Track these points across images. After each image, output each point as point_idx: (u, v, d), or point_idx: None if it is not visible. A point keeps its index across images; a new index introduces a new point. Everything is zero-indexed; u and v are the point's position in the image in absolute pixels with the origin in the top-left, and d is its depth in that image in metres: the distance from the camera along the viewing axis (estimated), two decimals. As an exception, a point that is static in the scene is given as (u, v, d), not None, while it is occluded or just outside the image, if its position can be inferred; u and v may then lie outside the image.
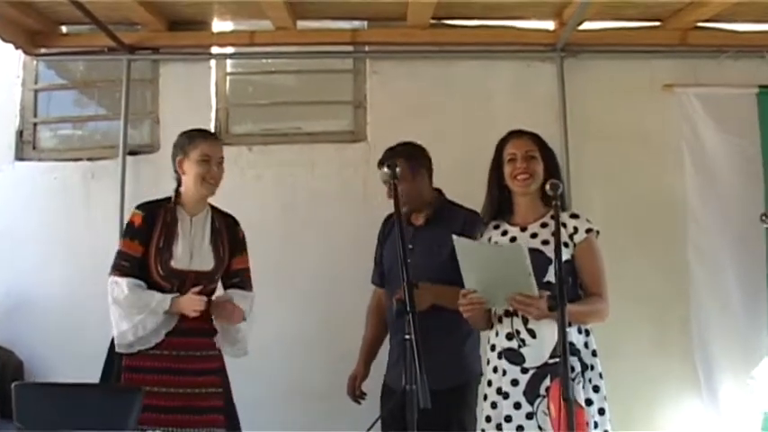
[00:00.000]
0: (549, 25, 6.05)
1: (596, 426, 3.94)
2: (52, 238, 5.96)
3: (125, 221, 5.61)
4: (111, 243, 5.67)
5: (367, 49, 6.15)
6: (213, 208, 4.75)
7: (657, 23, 6.00)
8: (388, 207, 4.47)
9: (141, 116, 6.21)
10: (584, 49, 6.00)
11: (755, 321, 5.59)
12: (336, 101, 6.21)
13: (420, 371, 3.37)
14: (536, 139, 4.31)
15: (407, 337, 3.48)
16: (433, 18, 5.90)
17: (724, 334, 5.61)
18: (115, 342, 4.49)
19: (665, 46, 6.00)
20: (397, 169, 3.85)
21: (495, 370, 4.14)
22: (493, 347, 4.18)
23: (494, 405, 4.08)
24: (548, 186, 3.86)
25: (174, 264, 4.52)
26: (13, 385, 4.30)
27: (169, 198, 4.66)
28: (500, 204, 4.30)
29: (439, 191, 5.02)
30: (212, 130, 5.90)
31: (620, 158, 5.83)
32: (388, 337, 5.04)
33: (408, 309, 3.51)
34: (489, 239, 4.27)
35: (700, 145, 5.78)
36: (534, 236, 4.15)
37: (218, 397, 4.57)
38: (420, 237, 4.88)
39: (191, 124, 5.72)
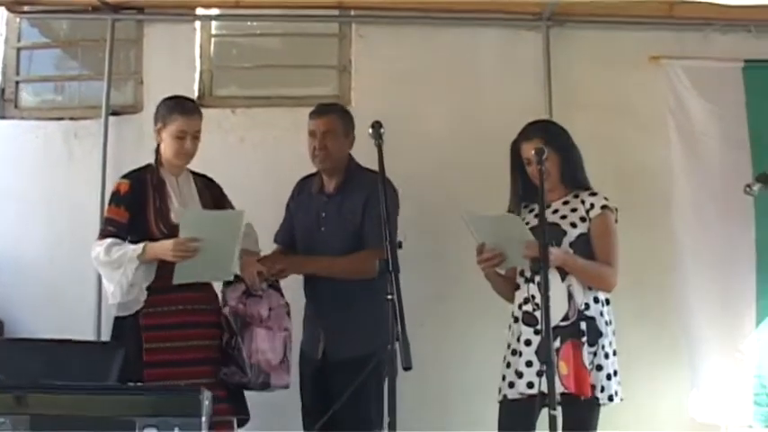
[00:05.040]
0: (536, -6, 6.02)
1: (603, 390, 4.35)
2: (33, 198, 5.92)
3: (107, 183, 5.70)
4: (93, 203, 5.70)
5: (353, 13, 6.11)
6: (189, 170, 4.92)
7: (644, -5, 5.99)
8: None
9: (125, 76, 6.16)
10: (570, 19, 5.98)
11: (743, 292, 5.55)
12: (321, 65, 6.18)
13: (402, 331, 3.39)
14: (544, 135, 4.56)
15: (389, 296, 3.50)
16: (420, -17, 5.86)
17: (709, 304, 5.57)
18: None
19: (651, 18, 5.96)
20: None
21: (512, 333, 4.57)
22: (515, 319, 4.55)
23: (508, 365, 4.51)
24: (532, 152, 4.26)
25: (174, 218, 4.67)
26: (-7, 340, 4.31)
27: (150, 164, 4.82)
28: (526, 192, 4.64)
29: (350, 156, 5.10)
30: (194, 95, 5.92)
31: (606, 129, 5.81)
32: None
33: (390, 268, 3.53)
34: (524, 220, 4.58)
35: (685, 117, 5.75)
36: (555, 212, 4.54)
37: (211, 350, 4.71)
38: (331, 205, 4.99)
39: (174, 86, 5.71)
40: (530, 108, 5.65)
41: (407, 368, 3.37)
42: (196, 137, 4.77)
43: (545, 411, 4.13)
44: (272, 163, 5.76)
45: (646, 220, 5.71)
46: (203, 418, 2.90)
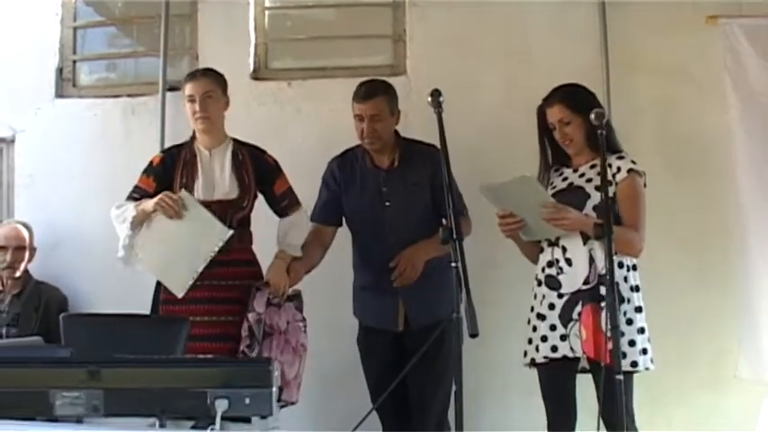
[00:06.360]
0: (591, -43, 5.95)
1: (624, 356, 4.16)
2: (93, 175, 5.99)
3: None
4: (152, 179, 5.74)
5: (406, -19, 6.08)
6: (236, 141, 4.96)
7: (701, -47, 5.89)
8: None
9: (180, 52, 6.21)
10: (624, -19, 5.90)
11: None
12: (375, 35, 6.16)
13: (468, 298, 3.40)
14: (566, 101, 4.57)
15: (453, 264, 3.51)
16: (473, -51, 5.81)
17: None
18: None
19: (708, -23, 5.88)
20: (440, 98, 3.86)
21: (535, 297, 4.58)
22: (539, 282, 4.56)
23: (534, 329, 4.51)
24: (593, 116, 4.14)
25: (197, 195, 4.75)
26: (60, 316, 4.37)
27: (189, 139, 4.94)
28: (555, 156, 4.69)
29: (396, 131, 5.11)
30: (249, 68, 6.01)
31: (663, 92, 5.74)
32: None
33: (454, 236, 3.54)
34: (552, 183, 4.63)
35: (743, 76, 5.63)
36: (582, 175, 4.57)
37: (230, 326, 4.72)
38: (393, 179, 4.98)
39: (229, 59, 5.76)
40: (586, 74, 5.56)
41: (474, 335, 3.38)
42: (209, 96, 4.81)
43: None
44: (328, 134, 5.76)
45: (704, 182, 5.65)
46: (273, 389, 2.93)
